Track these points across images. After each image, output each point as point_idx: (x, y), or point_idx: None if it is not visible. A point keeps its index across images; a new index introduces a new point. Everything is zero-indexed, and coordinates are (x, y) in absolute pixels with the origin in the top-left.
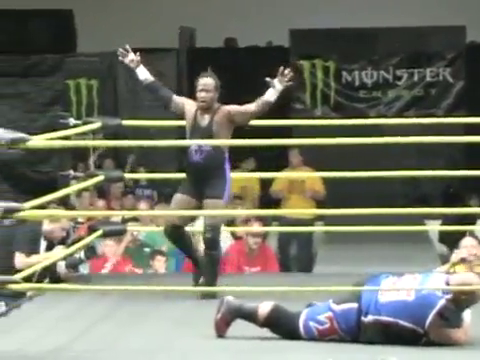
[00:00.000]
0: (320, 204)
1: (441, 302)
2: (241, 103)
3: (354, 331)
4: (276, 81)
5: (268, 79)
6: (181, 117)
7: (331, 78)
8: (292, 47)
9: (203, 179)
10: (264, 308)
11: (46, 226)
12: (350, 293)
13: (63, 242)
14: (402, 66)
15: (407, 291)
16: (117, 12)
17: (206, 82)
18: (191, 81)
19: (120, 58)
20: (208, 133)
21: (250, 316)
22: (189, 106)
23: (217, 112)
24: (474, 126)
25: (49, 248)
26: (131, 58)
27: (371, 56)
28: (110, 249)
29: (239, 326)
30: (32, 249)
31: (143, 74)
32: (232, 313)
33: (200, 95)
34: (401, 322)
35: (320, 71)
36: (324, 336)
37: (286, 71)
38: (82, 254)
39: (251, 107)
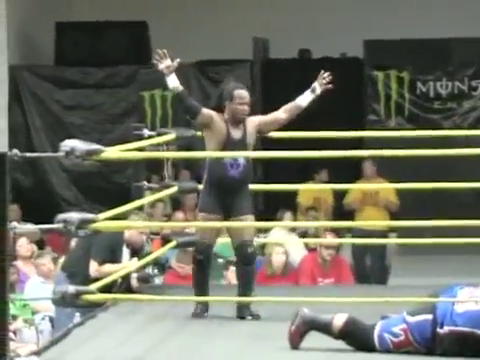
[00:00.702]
0: (394, 216)
1: None
2: (312, 114)
3: (429, 343)
4: (316, 84)
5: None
6: (202, 129)
7: (405, 89)
8: (366, 58)
9: (235, 194)
10: (339, 320)
11: (126, 234)
12: (425, 305)
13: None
14: (477, 77)
15: None
16: (191, 23)
17: (246, 95)
18: (265, 92)
19: (155, 61)
20: (244, 145)
21: (325, 328)
22: (218, 119)
23: (247, 123)
24: None
25: (133, 255)
26: (167, 64)
27: (446, 67)
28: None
29: (313, 338)
30: (107, 257)
31: (173, 82)
32: (307, 324)
33: (242, 108)
34: (478, 332)
35: (394, 82)
36: (399, 348)
37: (326, 74)
38: (150, 270)
39: (281, 115)
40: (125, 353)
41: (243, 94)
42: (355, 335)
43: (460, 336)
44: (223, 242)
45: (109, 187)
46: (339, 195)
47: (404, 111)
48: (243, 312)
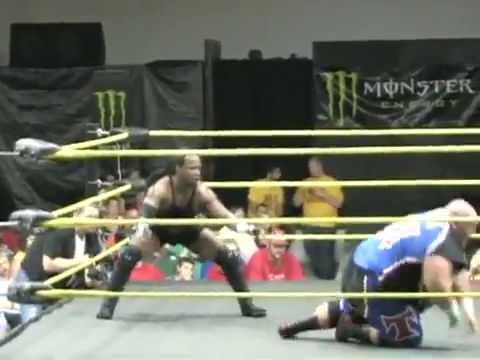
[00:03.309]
0: (342, 213)
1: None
2: (263, 114)
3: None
4: (258, 234)
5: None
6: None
7: (353, 89)
8: (315, 59)
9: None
10: (322, 311)
11: None
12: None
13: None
14: (423, 78)
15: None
16: (144, 25)
17: (196, 159)
18: (217, 92)
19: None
20: (186, 213)
21: (311, 326)
22: (165, 192)
23: (198, 190)
24: None
25: (89, 243)
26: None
27: (393, 68)
28: None
29: None
30: (58, 251)
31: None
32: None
33: (194, 173)
34: (408, 259)
35: (343, 83)
36: None
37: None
38: (99, 267)
39: (220, 212)
40: (79, 348)
41: (194, 158)
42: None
43: (396, 273)
44: None
45: (64, 185)
46: (289, 193)
47: (352, 111)
48: (248, 310)
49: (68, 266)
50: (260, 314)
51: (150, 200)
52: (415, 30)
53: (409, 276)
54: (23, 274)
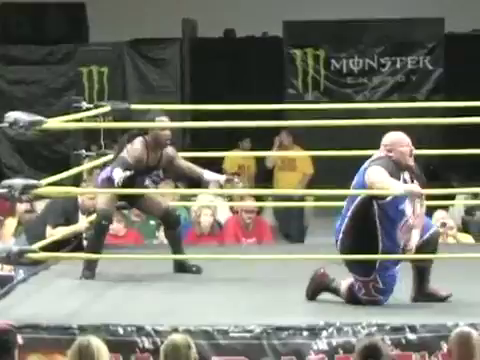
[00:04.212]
0: (311, 182)
1: None
2: (237, 89)
3: None
4: (221, 180)
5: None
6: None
7: (321, 65)
8: (285, 37)
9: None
10: (343, 286)
11: (79, 200)
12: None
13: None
14: (386, 54)
15: None
16: (125, 5)
17: (167, 121)
18: (193, 68)
19: None
20: (156, 169)
21: (334, 291)
22: (142, 150)
23: (165, 152)
24: (451, 109)
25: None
26: None
27: (358, 45)
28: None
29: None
30: (60, 222)
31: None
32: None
33: (164, 133)
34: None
35: (311, 59)
36: None
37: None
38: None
39: (188, 168)
40: (64, 307)
41: (165, 120)
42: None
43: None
44: None
45: (51, 155)
46: (261, 163)
47: (320, 86)
48: (185, 267)
49: (66, 234)
50: (198, 270)
51: (128, 157)
52: (379, 10)
53: (367, 214)
54: (23, 239)
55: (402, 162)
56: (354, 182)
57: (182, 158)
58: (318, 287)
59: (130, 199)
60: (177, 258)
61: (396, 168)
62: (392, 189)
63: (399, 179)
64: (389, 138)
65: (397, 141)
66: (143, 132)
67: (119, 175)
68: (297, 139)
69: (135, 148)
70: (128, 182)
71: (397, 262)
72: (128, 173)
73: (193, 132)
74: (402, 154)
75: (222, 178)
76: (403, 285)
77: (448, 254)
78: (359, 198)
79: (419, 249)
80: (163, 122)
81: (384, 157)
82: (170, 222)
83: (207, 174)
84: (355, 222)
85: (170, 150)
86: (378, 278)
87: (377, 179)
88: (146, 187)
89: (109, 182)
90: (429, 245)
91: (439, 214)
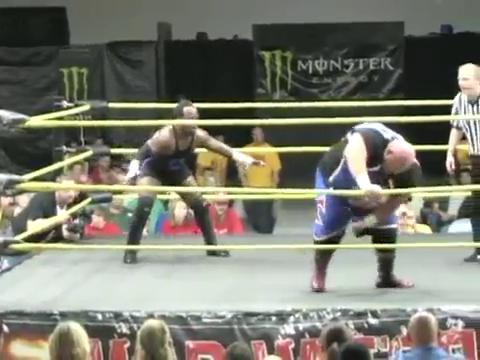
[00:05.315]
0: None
1: None
2: (209, 88)
3: None
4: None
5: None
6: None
7: (288, 67)
8: (255, 40)
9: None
10: None
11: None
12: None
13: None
14: (349, 56)
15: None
16: (104, 9)
17: (194, 111)
18: (168, 69)
19: None
20: (187, 154)
21: None
22: (169, 137)
23: (196, 136)
24: (411, 108)
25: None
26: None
27: (323, 48)
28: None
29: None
30: (39, 215)
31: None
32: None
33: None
34: None
35: (279, 61)
36: None
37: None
38: (77, 221)
39: (216, 146)
40: (46, 293)
41: (192, 110)
42: None
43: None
44: (132, 198)
45: (33, 151)
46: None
47: (287, 86)
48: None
49: (46, 225)
50: (226, 254)
51: (151, 144)
52: (343, 14)
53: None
54: (10, 230)
55: (390, 168)
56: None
57: (213, 139)
58: None
59: (169, 183)
60: (155, 248)
61: (379, 153)
62: (359, 178)
63: (371, 166)
64: (400, 148)
65: (403, 156)
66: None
67: (132, 172)
68: (267, 136)
69: (163, 135)
70: (161, 164)
71: (346, 202)
72: (138, 172)
73: None
74: (395, 163)
75: (249, 161)
76: (366, 272)
77: (407, 243)
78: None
79: (380, 239)
80: (190, 111)
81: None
82: (199, 210)
83: (236, 154)
84: (337, 148)
85: (202, 133)
86: (324, 202)
87: (354, 155)
88: (181, 170)
89: (149, 166)
90: (390, 237)
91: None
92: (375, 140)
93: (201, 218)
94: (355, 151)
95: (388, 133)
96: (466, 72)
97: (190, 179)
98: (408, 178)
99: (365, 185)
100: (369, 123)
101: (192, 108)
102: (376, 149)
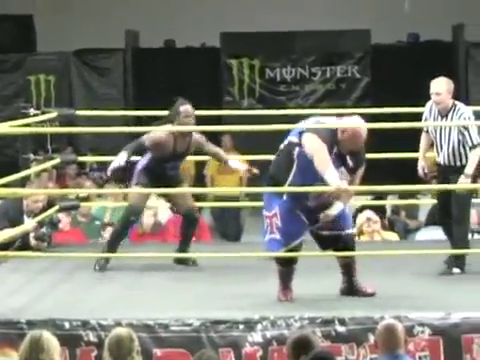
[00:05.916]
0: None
1: None
2: (177, 96)
3: None
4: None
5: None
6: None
7: (256, 74)
8: (223, 48)
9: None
10: None
11: (24, 203)
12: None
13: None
14: (317, 64)
15: None
16: (71, 17)
17: (190, 110)
18: (135, 77)
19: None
20: (184, 156)
21: None
22: (166, 138)
23: (193, 137)
24: (378, 115)
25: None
26: None
27: (290, 55)
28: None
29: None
30: (5, 225)
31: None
32: None
33: (188, 120)
34: None
35: (247, 68)
36: None
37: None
38: (44, 229)
39: (215, 152)
40: (13, 302)
41: (188, 109)
42: None
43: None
44: (100, 207)
45: (0, 159)
46: (200, 165)
47: (255, 93)
48: (186, 262)
49: (15, 234)
50: (194, 263)
51: (146, 139)
52: (310, 22)
53: (290, 152)
54: None
55: (348, 146)
56: (286, 141)
57: (210, 144)
58: None
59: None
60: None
61: (333, 139)
62: (327, 173)
63: (331, 154)
64: (352, 124)
65: (357, 130)
66: (170, 121)
67: (116, 162)
68: (236, 144)
69: (158, 133)
70: (159, 169)
71: (302, 208)
72: (122, 164)
73: (139, 136)
74: (352, 139)
75: (243, 168)
76: (333, 280)
77: (373, 251)
78: (288, 139)
79: (337, 243)
80: (187, 110)
81: (327, 130)
82: (190, 220)
83: (231, 162)
84: (279, 155)
85: (199, 137)
86: (278, 214)
87: (317, 153)
88: (177, 174)
89: (144, 172)
90: (347, 243)
91: (366, 212)
92: (325, 130)
93: (188, 228)
94: (316, 149)
95: (327, 119)
96: (438, 86)
97: (185, 186)
98: (363, 154)
99: (334, 181)
100: (304, 121)
101: (188, 107)
102: (331, 137)
